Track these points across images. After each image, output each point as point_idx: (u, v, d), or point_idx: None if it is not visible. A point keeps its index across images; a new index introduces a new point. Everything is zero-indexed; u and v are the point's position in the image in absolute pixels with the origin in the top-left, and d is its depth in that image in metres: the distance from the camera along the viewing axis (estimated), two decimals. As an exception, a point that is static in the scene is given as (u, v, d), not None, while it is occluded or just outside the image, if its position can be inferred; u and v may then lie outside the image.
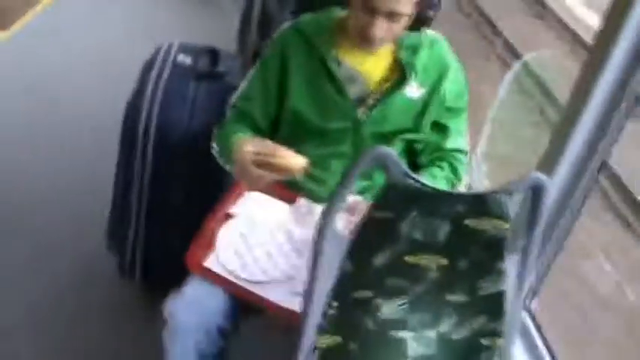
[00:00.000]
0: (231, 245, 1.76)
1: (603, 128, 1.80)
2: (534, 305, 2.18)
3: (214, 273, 1.72)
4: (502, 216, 1.38)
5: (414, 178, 1.31)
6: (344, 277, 1.38)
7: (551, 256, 2.08)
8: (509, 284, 1.44)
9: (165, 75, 2.28)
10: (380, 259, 1.38)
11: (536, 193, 1.41)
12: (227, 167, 1.89)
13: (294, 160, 1.69)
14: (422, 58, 1.92)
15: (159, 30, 3.99)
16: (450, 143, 2.00)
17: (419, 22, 1.85)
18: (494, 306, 1.44)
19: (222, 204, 1.89)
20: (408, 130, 1.94)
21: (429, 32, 1.97)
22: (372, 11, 1.73)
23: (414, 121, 1.94)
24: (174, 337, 1.68)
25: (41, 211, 2.87)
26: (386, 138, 1.92)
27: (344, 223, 1.58)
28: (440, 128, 1.98)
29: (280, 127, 1.97)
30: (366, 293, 1.40)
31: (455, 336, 1.47)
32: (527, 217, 1.45)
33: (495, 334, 1.47)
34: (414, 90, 1.92)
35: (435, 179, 1.89)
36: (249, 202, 1.88)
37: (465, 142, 2.05)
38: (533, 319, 2.18)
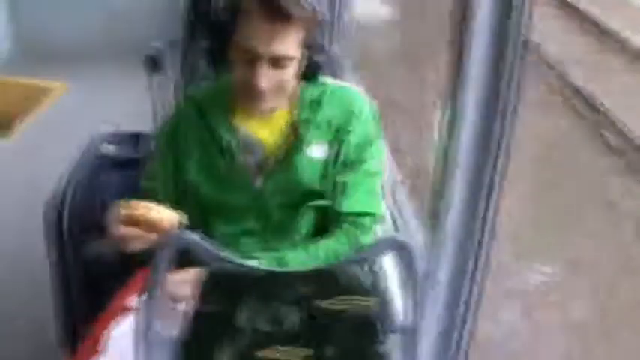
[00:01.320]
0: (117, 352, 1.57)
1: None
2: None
3: None
4: (360, 291, 1.17)
5: (236, 263, 1.11)
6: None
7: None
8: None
9: (83, 168, 2.16)
10: (224, 358, 1.18)
11: (402, 256, 1.19)
12: None
13: (166, 214, 1.50)
14: (324, 112, 1.72)
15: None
16: (347, 205, 1.72)
17: (310, 70, 1.66)
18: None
19: (122, 293, 1.72)
20: (319, 195, 1.73)
21: (331, 81, 1.78)
22: (253, 58, 1.56)
23: (321, 184, 1.72)
24: None
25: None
26: (293, 207, 1.72)
27: (168, 320, 1.37)
28: (337, 187, 1.72)
29: (185, 206, 1.80)
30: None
31: None
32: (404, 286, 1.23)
33: None
34: (317, 149, 1.71)
35: (311, 257, 1.63)
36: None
37: (374, 203, 1.76)
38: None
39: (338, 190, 1.71)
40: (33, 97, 4.73)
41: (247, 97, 1.65)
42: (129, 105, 2.77)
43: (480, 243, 1.31)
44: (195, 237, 1.10)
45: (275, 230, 1.72)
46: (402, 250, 1.18)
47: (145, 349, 1.15)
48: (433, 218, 1.30)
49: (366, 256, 1.16)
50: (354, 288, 1.16)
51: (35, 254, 2.50)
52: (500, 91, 1.17)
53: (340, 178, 1.71)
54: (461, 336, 1.39)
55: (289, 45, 1.57)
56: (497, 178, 1.26)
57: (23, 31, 5.35)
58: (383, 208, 1.78)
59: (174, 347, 1.18)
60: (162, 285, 1.14)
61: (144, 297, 1.15)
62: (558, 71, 5.77)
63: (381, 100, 1.93)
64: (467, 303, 1.35)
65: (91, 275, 2.13)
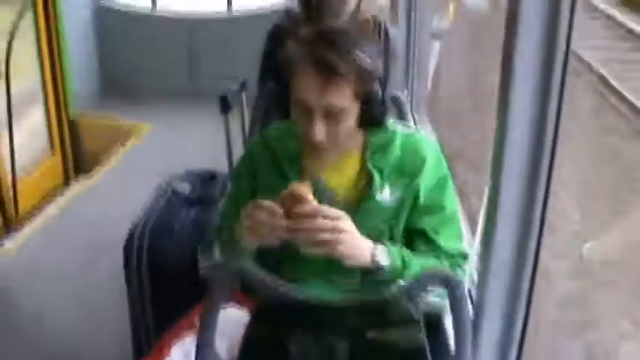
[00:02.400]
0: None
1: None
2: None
3: None
4: (411, 324, 1.21)
5: (287, 294, 1.17)
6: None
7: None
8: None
9: (160, 205, 2.26)
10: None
11: (451, 290, 1.23)
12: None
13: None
14: (394, 157, 1.74)
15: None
16: (442, 243, 1.70)
17: (372, 119, 1.69)
18: None
19: (193, 310, 1.77)
20: (384, 239, 1.75)
21: (402, 128, 1.81)
22: (308, 112, 1.60)
23: (389, 229, 1.75)
24: None
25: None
26: None
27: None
28: (419, 234, 1.72)
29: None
30: None
31: None
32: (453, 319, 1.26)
33: None
34: (386, 194, 1.72)
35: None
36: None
37: (459, 243, 1.75)
38: None
39: (421, 237, 1.71)
40: (118, 137, 4.93)
41: (308, 148, 1.69)
42: (209, 145, 2.86)
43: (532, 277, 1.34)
44: (249, 263, 1.16)
45: (339, 272, 1.74)
46: (448, 284, 1.21)
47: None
48: (484, 249, 1.34)
49: (413, 289, 1.19)
50: (406, 321, 1.19)
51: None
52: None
53: (421, 225, 1.71)
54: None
55: (342, 98, 1.58)
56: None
57: (110, 73, 5.59)
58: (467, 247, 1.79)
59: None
60: (219, 306, 1.20)
61: (203, 316, 1.21)
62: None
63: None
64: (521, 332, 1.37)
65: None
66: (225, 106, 2.54)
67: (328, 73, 1.54)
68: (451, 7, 3.48)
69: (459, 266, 1.71)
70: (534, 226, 1.33)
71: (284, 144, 1.79)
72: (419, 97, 3.01)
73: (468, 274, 1.74)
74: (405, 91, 2.84)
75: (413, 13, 3.00)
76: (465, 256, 1.73)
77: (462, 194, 2.49)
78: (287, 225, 1.49)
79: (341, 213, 1.52)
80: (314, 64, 1.56)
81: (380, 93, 1.63)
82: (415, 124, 2.74)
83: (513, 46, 1.23)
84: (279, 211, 1.51)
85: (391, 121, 1.77)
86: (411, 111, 2.98)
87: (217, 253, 1.78)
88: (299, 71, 1.59)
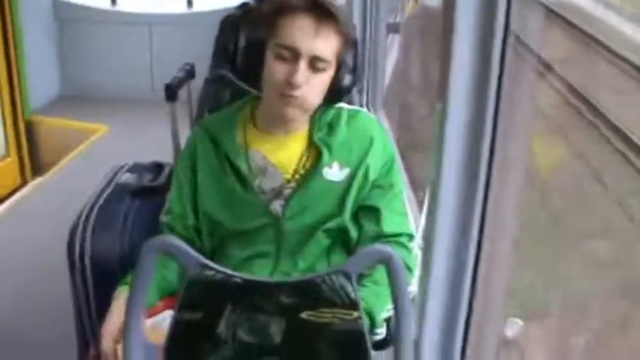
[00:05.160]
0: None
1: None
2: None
3: None
4: (346, 304, 1.15)
5: (213, 268, 1.11)
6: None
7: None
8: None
9: (104, 196, 2.20)
10: (207, 369, 1.17)
11: (389, 267, 1.17)
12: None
13: None
14: (341, 135, 1.73)
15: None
16: (388, 226, 1.73)
17: (336, 93, 1.70)
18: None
19: None
20: (335, 219, 1.73)
21: (348, 106, 1.79)
22: (294, 57, 1.60)
23: (338, 207, 1.72)
24: None
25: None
26: (310, 230, 1.71)
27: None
28: (369, 211, 1.74)
29: (203, 234, 1.81)
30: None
31: None
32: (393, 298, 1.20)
33: None
34: (334, 171, 1.71)
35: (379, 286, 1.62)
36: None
37: (406, 222, 1.78)
38: None
39: (371, 212, 1.72)
40: (75, 139, 4.84)
41: (278, 102, 1.65)
42: (167, 144, 2.83)
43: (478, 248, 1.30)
44: (176, 241, 1.10)
45: (289, 253, 1.71)
46: (385, 261, 1.16)
47: (130, 352, 1.14)
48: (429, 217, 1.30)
49: (351, 267, 1.14)
50: (340, 301, 1.14)
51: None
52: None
53: (371, 202, 1.72)
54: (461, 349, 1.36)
55: (329, 48, 1.62)
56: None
57: (70, 75, 5.50)
58: (412, 226, 1.77)
59: (161, 354, 1.17)
60: (146, 288, 1.14)
61: (129, 300, 1.15)
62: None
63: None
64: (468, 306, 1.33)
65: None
66: (170, 93, 2.47)
67: (322, 16, 1.60)
68: (412, 2, 3.46)
69: (404, 246, 1.72)
70: (476, 205, 1.28)
71: (225, 127, 1.78)
72: (375, 91, 2.97)
73: (415, 253, 1.72)
74: (360, 84, 2.80)
75: (369, 7, 2.97)
76: (410, 236, 1.74)
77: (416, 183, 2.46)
78: None
79: None
80: (308, 9, 1.61)
81: (352, 63, 1.71)
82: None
83: (451, 31, 1.19)
84: None
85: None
86: (367, 104, 2.95)
87: None
88: (290, 17, 1.62)
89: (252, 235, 1.73)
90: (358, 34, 2.93)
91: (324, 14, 1.61)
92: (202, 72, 2.48)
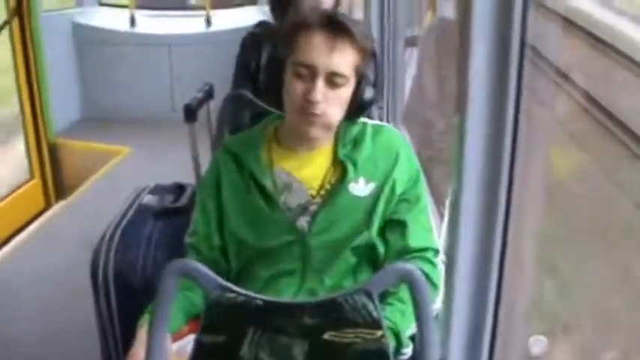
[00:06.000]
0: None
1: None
2: None
3: None
4: (368, 323, 1.14)
5: (233, 290, 1.10)
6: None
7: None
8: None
9: (127, 217, 2.21)
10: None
11: (411, 286, 1.16)
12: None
13: None
14: (366, 150, 1.73)
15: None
16: (414, 241, 1.72)
17: (358, 107, 1.70)
18: None
19: None
20: (361, 235, 1.72)
21: (372, 121, 1.80)
22: (311, 75, 1.61)
23: (365, 222, 1.72)
24: None
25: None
26: (337, 247, 1.71)
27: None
28: (396, 225, 1.73)
29: (229, 254, 1.81)
30: None
31: None
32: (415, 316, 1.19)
33: None
34: (360, 186, 1.71)
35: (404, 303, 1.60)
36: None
37: (432, 237, 1.76)
38: None
39: (397, 226, 1.72)
40: (99, 160, 4.88)
41: (299, 120, 1.66)
42: (188, 164, 2.85)
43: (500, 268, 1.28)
44: (196, 264, 1.10)
45: (315, 270, 1.70)
46: (409, 279, 1.15)
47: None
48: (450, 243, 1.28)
49: (373, 286, 1.13)
50: (362, 320, 1.13)
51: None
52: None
53: (398, 216, 1.72)
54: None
55: (345, 63, 1.63)
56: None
57: (91, 97, 5.56)
58: (438, 241, 1.76)
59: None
60: (168, 311, 1.14)
61: (151, 324, 1.15)
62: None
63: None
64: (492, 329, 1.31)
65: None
66: (189, 114, 2.48)
67: (337, 32, 1.62)
68: (429, 15, 3.45)
69: (430, 261, 1.70)
70: (498, 219, 1.26)
71: (249, 146, 1.79)
72: (395, 106, 2.96)
73: (440, 269, 1.70)
74: (380, 101, 2.79)
75: (386, 22, 2.96)
76: (436, 251, 1.73)
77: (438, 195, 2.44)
78: None
79: None
80: (323, 26, 1.63)
81: (372, 77, 1.70)
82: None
83: (467, 45, 1.19)
84: None
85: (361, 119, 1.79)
86: (387, 120, 2.94)
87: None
88: (306, 35, 1.64)
89: (278, 253, 1.72)
90: (377, 48, 2.93)
91: (340, 29, 1.62)
92: (221, 92, 2.50)
